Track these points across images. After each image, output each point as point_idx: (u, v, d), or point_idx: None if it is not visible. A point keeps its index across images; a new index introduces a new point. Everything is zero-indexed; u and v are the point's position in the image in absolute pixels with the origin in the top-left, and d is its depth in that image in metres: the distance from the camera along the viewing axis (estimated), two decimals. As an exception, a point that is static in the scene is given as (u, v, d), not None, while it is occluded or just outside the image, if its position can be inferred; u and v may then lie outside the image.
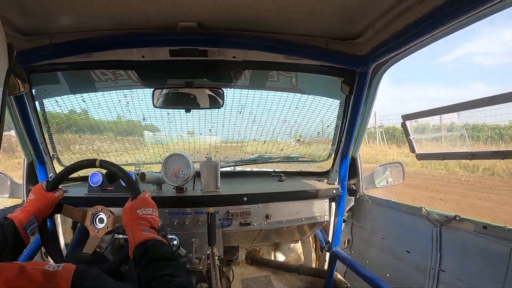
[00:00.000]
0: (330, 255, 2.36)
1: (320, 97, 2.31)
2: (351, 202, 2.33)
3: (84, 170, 1.73)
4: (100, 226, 1.54)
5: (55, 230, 2.04)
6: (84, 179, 2.31)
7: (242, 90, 2.30)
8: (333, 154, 2.31)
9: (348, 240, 2.50)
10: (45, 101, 2.21)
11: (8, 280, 0.58)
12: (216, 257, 1.79)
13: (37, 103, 2.09)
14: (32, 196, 1.43)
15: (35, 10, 1.40)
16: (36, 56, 1.63)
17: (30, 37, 1.63)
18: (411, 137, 1.98)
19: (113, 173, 1.52)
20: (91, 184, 1.96)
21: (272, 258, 2.82)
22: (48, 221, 1.74)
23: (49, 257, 1.51)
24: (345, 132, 2.03)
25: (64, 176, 1.55)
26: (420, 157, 2.00)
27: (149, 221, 1.30)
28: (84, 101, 2.32)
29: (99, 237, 1.54)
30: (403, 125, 2.00)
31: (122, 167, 1.59)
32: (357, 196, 2.31)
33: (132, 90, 2.30)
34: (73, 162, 1.60)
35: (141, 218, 1.29)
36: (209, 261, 1.79)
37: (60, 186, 1.54)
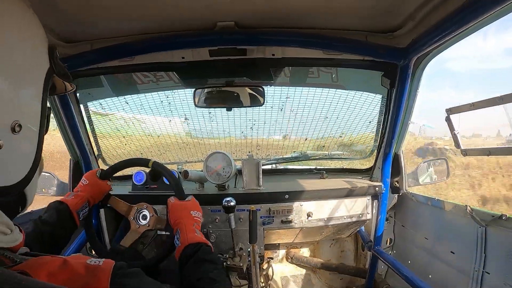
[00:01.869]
0: (371, 254, 2.30)
1: (361, 92, 2.25)
2: (393, 200, 2.26)
3: (127, 170, 1.79)
4: (142, 222, 1.59)
5: (99, 225, 2.12)
6: (127, 178, 2.39)
7: (283, 87, 2.29)
8: (375, 150, 2.25)
9: (390, 239, 2.43)
10: (89, 104, 2.30)
11: (51, 272, 0.60)
12: (257, 255, 1.79)
13: (81, 106, 2.18)
14: (85, 181, 1.51)
15: (76, 18, 1.46)
16: (78, 62, 1.70)
17: (72, 44, 1.71)
18: (455, 132, 1.89)
19: (163, 175, 1.57)
20: (135, 183, 2.03)
21: (313, 256, 2.80)
22: (93, 216, 1.83)
23: (93, 251, 1.57)
24: (387, 127, 1.97)
25: (118, 168, 1.63)
26: (466, 152, 1.91)
27: (199, 225, 1.34)
28: (127, 103, 2.40)
29: (139, 232, 1.59)
30: (447, 119, 1.91)
31: (166, 165, 1.64)
32: (400, 194, 2.23)
33: (173, 90, 2.35)
34: (122, 160, 1.65)
35: (194, 220, 1.33)
36: (249, 258, 1.80)
37: None
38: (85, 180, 1.51)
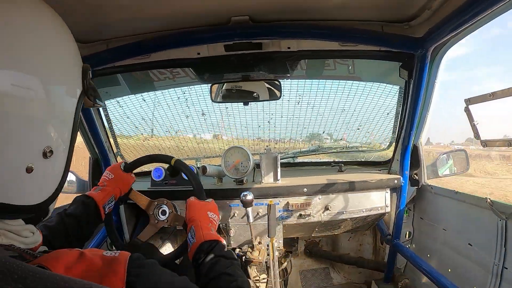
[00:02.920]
0: (390, 248, 2.27)
1: (379, 83, 2.23)
2: (413, 192, 2.23)
3: (146, 166, 1.81)
4: (161, 218, 1.61)
5: (119, 222, 2.17)
6: (146, 174, 2.43)
7: (299, 80, 2.29)
8: (394, 143, 2.22)
9: (409, 233, 2.40)
10: (107, 102, 2.34)
11: (68, 264, 0.61)
12: (275, 248, 1.80)
13: (100, 104, 2.22)
14: (110, 175, 1.52)
15: (91, 19, 1.49)
16: (95, 61, 1.72)
17: (88, 44, 1.74)
18: (475, 123, 1.85)
19: (184, 174, 1.58)
20: (154, 178, 2.06)
21: (331, 250, 2.79)
22: (113, 212, 1.86)
23: (113, 247, 1.59)
24: (405, 119, 1.93)
25: (142, 162, 1.65)
26: (485, 143, 1.86)
27: (214, 226, 1.35)
28: (144, 100, 2.44)
29: (157, 227, 1.61)
30: (467, 110, 1.87)
31: (184, 161, 1.66)
32: (419, 186, 2.20)
33: (190, 86, 2.38)
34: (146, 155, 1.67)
35: (210, 220, 1.33)
36: (268, 252, 1.81)
37: None
38: (109, 174, 1.53)
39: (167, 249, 2.27)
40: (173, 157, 1.59)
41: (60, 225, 1.21)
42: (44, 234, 1.09)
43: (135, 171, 1.65)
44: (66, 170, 0.74)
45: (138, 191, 1.77)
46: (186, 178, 1.65)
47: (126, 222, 2.16)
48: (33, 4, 0.67)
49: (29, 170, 0.61)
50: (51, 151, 0.66)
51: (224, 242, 1.23)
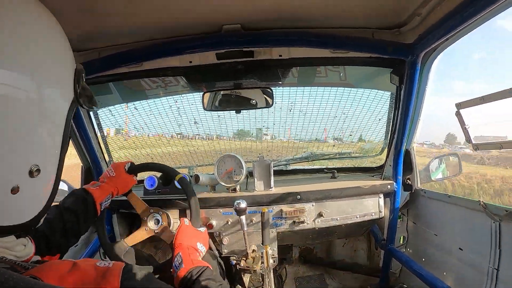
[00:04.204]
0: (385, 252, 2.28)
1: (370, 90, 2.24)
2: (406, 197, 2.23)
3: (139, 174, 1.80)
4: (153, 227, 1.60)
5: (112, 230, 2.16)
6: (138, 182, 2.41)
7: (291, 87, 2.30)
8: (386, 148, 2.23)
9: (404, 237, 2.40)
10: (99, 111, 2.32)
11: (62, 275, 0.60)
12: (270, 256, 1.79)
13: (91, 113, 2.21)
14: (112, 173, 1.51)
15: (82, 27, 1.48)
16: (87, 70, 1.70)
17: (80, 53, 1.73)
18: (466, 127, 1.86)
19: (186, 194, 1.57)
20: (147, 188, 2.05)
21: (326, 256, 2.79)
22: (106, 221, 1.83)
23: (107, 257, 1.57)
24: (397, 124, 1.95)
25: (148, 168, 1.67)
26: (477, 147, 1.88)
27: (200, 255, 1.34)
28: (136, 109, 2.42)
29: (147, 235, 1.60)
30: (457, 114, 1.88)
31: (177, 169, 1.66)
32: (413, 191, 2.21)
33: (182, 95, 2.37)
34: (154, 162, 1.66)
35: (197, 250, 1.33)
36: (262, 260, 1.80)
37: None
38: (112, 171, 1.51)
39: (160, 258, 2.25)
40: (179, 173, 1.59)
41: (58, 219, 1.20)
42: (40, 228, 1.08)
43: None
44: (56, 187, 0.72)
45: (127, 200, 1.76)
46: (179, 186, 1.65)
47: (119, 231, 2.14)
48: (28, 4, 0.66)
49: (14, 191, 0.59)
50: (38, 170, 0.63)
51: (211, 267, 1.23)
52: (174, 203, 1.95)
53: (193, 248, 1.32)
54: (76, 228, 1.25)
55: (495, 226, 1.62)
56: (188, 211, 1.93)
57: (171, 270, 1.25)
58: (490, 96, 1.60)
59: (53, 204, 1.26)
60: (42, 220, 0.76)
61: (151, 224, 1.60)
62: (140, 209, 1.63)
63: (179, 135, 2.75)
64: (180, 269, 1.18)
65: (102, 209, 1.41)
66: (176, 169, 1.67)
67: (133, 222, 2.18)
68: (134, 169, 1.59)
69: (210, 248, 1.81)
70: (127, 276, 0.68)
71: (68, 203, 1.28)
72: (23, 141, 0.60)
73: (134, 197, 1.64)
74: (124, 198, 1.68)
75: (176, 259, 1.24)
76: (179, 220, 1.44)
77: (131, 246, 1.60)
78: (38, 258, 0.76)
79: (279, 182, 2.24)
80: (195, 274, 1.13)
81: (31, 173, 0.62)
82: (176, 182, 1.64)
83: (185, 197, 1.58)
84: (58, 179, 0.72)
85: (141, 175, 2.10)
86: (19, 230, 0.64)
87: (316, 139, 2.68)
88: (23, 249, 0.70)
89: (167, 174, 1.66)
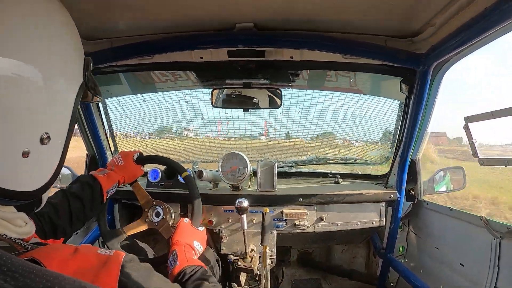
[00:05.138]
0: (383, 261, 2.27)
1: (379, 97, 2.24)
2: (408, 207, 2.22)
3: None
4: (153, 219, 1.60)
5: (113, 220, 2.17)
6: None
7: (300, 90, 2.29)
8: (392, 157, 2.22)
9: (403, 247, 2.39)
10: (107, 100, 2.34)
11: (63, 260, 0.61)
12: (268, 257, 1.79)
13: (100, 103, 2.22)
14: (121, 162, 1.51)
15: (96, 16, 1.49)
16: (98, 59, 1.72)
17: (92, 42, 1.74)
18: (473, 141, 1.85)
19: (189, 191, 1.57)
20: (150, 180, 2.06)
21: (324, 261, 2.78)
22: (107, 211, 1.84)
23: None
24: (404, 134, 1.95)
25: (156, 160, 1.68)
26: (483, 162, 1.86)
27: (196, 254, 1.34)
28: (145, 101, 2.43)
29: (146, 226, 1.60)
30: (466, 128, 1.87)
31: (182, 164, 1.66)
32: (415, 202, 2.20)
33: (191, 90, 2.38)
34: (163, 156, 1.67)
35: (194, 249, 1.33)
36: (260, 260, 1.80)
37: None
38: (120, 159, 1.51)
39: (157, 252, 2.26)
40: (186, 170, 1.59)
41: (64, 203, 1.21)
42: (46, 211, 1.11)
43: None
44: (62, 159, 0.73)
45: (131, 191, 1.76)
46: (183, 181, 1.65)
47: (119, 221, 2.15)
48: None
49: (25, 154, 0.61)
50: (49, 137, 0.65)
51: (207, 268, 1.23)
52: (177, 197, 1.95)
53: (190, 247, 1.31)
54: (81, 214, 1.26)
55: (495, 242, 1.60)
56: (189, 206, 1.94)
57: (166, 265, 1.26)
58: (500, 112, 1.59)
59: (60, 189, 1.28)
60: (45, 200, 0.78)
61: (151, 216, 1.60)
62: (143, 200, 1.63)
63: (185, 130, 2.76)
64: (175, 266, 1.18)
65: (108, 197, 1.41)
66: (181, 164, 1.67)
67: (134, 213, 2.19)
68: (142, 159, 1.59)
69: (209, 246, 1.82)
70: (127, 265, 0.68)
71: (75, 188, 1.28)
72: (37, 111, 0.63)
73: (138, 187, 1.64)
74: (127, 188, 1.69)
75: (171, 255, 1.25)
76: (180, 216, 1.44)
77: (129, 236, 1.60)
78: (37, 239, 0.76)
79: (282, 183, 2.24)
80: (188, 273, 1.12)
81: (41, 140, 0.64)
82: (180, 178, 1.64)
83: (188, 192, 1.58)
84: (64, 153, 0.74)
85: (146, 167, 2.12)
86: (24, 198, 0.65)
87: (322, 143, 2.67)
88: (24, 225, 0.70)
89: (174, 169, 1.66)
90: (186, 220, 1.45)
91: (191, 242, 1.34)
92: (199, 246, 1.37)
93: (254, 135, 2.73)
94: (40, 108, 0.63)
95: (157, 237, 2.31)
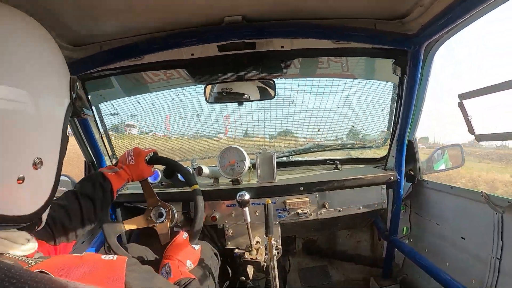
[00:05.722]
0: (388, 243, 2.30)
1: (373, 80, 2.24)
2: (409, 188, 2.24)
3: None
4: (154, 219, 1.59)
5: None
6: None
7: (293, 79, 2.29)
8: (389, 139, 2.24)
9: (407, 228, 2.41)
10: (101, 105, 2.33)
11: (70, 268, 0.61)
12: (274, 248, 1.80)
13: (93, 107, 2.21)
14: (132, 161, 1.48)
15: (83, 22, 1.48)
16: (88, 64, 1.72)
17: (81, 47, 1.72)
18: (469, 117, 1.86)
19: (195, 205, 1.56)
20: (151, 181, 2.05)
21: (329, 248, 2.80)
22: (111, 215, 1.84)
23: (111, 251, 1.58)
24: (400, 115, 1.95)
25: (167, 163, 1.65)
26: (480, 138, 1.87)
27: (186, 273, 1.33)
28: (139, 102, 2.42)
29: (145, 224, 1.59)
30: (460, 105, 1.88)
31: (180, 162, 1.66)
32: (415, 182, 2.21)
33: (184, 87, 2.36)
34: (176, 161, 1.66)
35: (185, 266, 1.34)
36: (266, 252, 1.81)
37: None
38: (132, 158, 1.48)
39: (159, 253, 2.26)
40: (196, 183, 1.58)
41: (75, 206, 1.21)
42: (57, 216, 1.11)
43: None
44: (57, 179, 0.74)
45: (134, 194, 1.76)
46: (182, 179, 1.64)
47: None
48: (14, 16, 0.66)
49: (20, 180, 0.62)
50: (41, 162, 0.66)
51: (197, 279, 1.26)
52: (178, 196, 1.96)
53: (182, 263, 1.33)
54: (92, 215, 1.26)
55: (497, 217, 1.62)
56: (191, 204, 1.94)
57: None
58: (493, 87, 1.59)
59: (70, 190, 1.28)
60: (45, 218, 0.78)
61: (154, 216, 1.60)
62: (150, 198, 1.62)
63: (181, 128, 2.75)
64: (169, 278, 1.21)
65: (116, 195, 1.41)
66: (180, 162, 1.66)
67: (137, 215, 2.20)
68: (154, 160, 1.57)
69: (214, 243, 1.83)
70: (130, 268, 0.69)
71: (85, 188, 1.28)
72: (27, 138, 0.63)
73: (147, 186, 1.62)
74: (130, 191, 1.68)
75: (164, 267, 1.27)
76: (183, 217, 1.43)
77: (127, 230, 1.60)
78: (41, 254, 0.77)
79: (282, 173, 2.25)
80: (182, 284, 1.16)
81: (34, 165, 0.65)
82: (180, 177, 1.62)
83: (189, 189, 1.58)
84: (58, 176, 0.74)
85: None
86: (23, 222, 0.66)
87: (319, 130, 2.67)
88: (26, 242, 0.71)
89: (184, 178, 1.64)
90: (185, 236, 1.45)
91: (184, 260, 1.35)
92: (190, 265, 1.38)
93: (251, 128, 2.73)
94: (29, 133, 0.64)
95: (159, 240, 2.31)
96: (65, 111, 0.75)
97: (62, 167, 0.75)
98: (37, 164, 0.65)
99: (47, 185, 0.71)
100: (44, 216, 0.77)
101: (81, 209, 1.21)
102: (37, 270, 0.57)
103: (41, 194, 0.70)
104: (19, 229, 0.70)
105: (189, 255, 1.39)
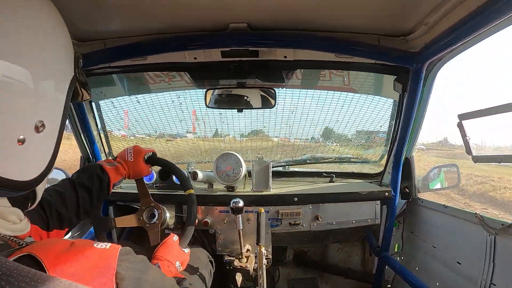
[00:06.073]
0: (379, 259, 2.28)
1: (373, 96, 2.25)
2: (403, 205, 2.23)
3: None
4: (146, 219, 1.58)
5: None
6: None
7: (294, 89, 2.30)
8: (386, 155, 2.24)
9: (399, 245, 2.40)
10: (101, 102, 2.33)
11: (59, 254, 0.60)
12: (264, 257, 1.79)
13: (93, 104, 2.21)
14: (131, 158, 1.49)
15: (89, 17, 1.47)
16: (91, 60, 1.71)
17: (85, 43, 1.72)
18: (467, 138, 1.86)
19: (189, 210, 1.55)
20: (146, 182, 2.04)
21: (320, 260, 2.79)
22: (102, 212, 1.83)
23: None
24: (398, 132, 1.95)
25: (165, 165, 1.64)
26: (477, 159, 1.87)
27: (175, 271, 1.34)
28: (139, 102, 2.42)
29: (137, 223, 1.58)
30: (459, 125, 1.88)
31: (177, 165, 1.65)
32: (410, 200, 2.21)
33: (185, 91, 2.37)
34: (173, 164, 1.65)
35: (174, 267, 1.33)
36: (256, 260, 1.80)
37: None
38: (131, 155, 1.49)
39: (148, 252, 2.24)
40: (191, 188, 1.57)
41: (72, 194, 1.21)
42: (53, 201, 1.11)
43: None
44: (56, 150, 0.74)
45: (129, 193, 1.74)
46: (177, 181, 1.64)
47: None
48: None
49: (20, 142, 0.61)
50: (43, 125, 0.66)
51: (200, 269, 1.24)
52: (172, 198, 1.95)
53: (172, 264, 1.32)
54: (88, 205, 1.26)
55: (490, 239, 1.61)
56: (184, 207, 1.93)
57: None
58: (493, 109, 1.60)
59: (67, 178, 1.28)
60: (39, 196, 0.77)
61: (146, 216, 1.59)
62: (144, 198, 1.61)
63: (179, 131, 2.75)
64: None
65: (113, 189, 1.41)
66: (176, 164, 1.66)
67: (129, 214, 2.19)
68: (153, 160, 1.56)
69: (204, 248, 1.81)
70: (123, 258, 0.68)
71: (83, 179, 1.28)
72: (31, 99, 0.64)
73: (143, 185, 1.61)
74: (123, 190, 1.67)
75: None
76: (175, 219, 1.42)
77: (118, 227, 1.59)
78: (32, 239, 0.76)
79: (277, 183, 2.25)
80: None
81: (36, 128, 0.65)
82: (176, 179, 1.61)
83: (183, 193, 1.57)
84: (58, 144, 0.74)
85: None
86: (19, 188, 0.65)
87: (317, 142, 2.68)
88: (18, 222, 0.70)
89: (181, 182, 1.63)
90: (175, 238, 1.43)
91: (173, 262, 1.34)
92: (179, 267, 1.37)
93: (249, 136, 2.73)
94: (34, 97, 0.64)
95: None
96: (69, 83, 0.76)
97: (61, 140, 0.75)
98: (39, 128, 0.65)
99: (46, 152, 0.71)
100: (40, 190, 0.77)
101: (78, 198, 1.21)
102: (25, 253, 0.57)
103: (40, 160, 0.70)
104: (13, 205, 0.70)
105: (178, 257, 1.38)
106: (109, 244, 0.69)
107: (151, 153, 1.57)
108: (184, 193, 1.57)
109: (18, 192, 0.66)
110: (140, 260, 0.74)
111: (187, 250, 1.47)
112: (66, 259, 0.60)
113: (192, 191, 1.57)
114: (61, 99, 0.73)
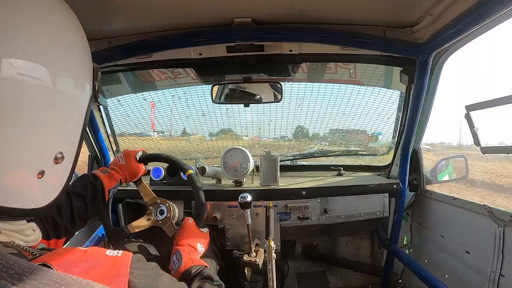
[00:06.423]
0: (388, 252, 2.28)
1: (380, 88, 2.24)
2: (411, 198, 2.23)
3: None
4: (158, 217, 1.60)
5: (117, 220, 2.17)
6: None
7: (300, 83, 2.29)
8: (394, 147, 2.23)
9: (407, 238, 2.39)
10: (108, 100, 2.34)
11: (73, 262, 0.61)
12: (273, 251, 1.79)
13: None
14: (122, 161, 1.51)
15: (93, 16, 1.47)
16: (97, 59, 1.70)
17: (90, 42, 1.71)
18: (475, 129, 1.84)
19: (193, 190, 1.57)
20: (153, 178, 2.05)
21: (329, 253, 2.79)
22: (111, 210, 1.85)
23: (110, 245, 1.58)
24: (406, 124, 1.94)
25: (158, 158, 1.65)
26: (485, 150, 1.86)
27: (198, 255, 1.35)
28: (145, 99, 2.43)
29: (149, 224, 1.59)
30: (467, 116, 1.86)
31: (184, 161, 1.66)
32: (418, 192, 2.20)
33: (191, 87, 2.38)
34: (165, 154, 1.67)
35: (196, 250, 1.35)
36: (265, 254, 1.80)
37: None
38: (122, 159, 1.51)
39: (162, 250, 2.26)
40: (191, 168, 1.59)
41: (66, 203, 1.22)
42: (49, 211, 1.11)
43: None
44: (72, 171, 0.74)
45: (136, 190, 1.75)
46: (185, 178, 1.65)
47: (124, 221, 2.16)
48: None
49: (39, 175, 0.62)
50: (62, 157, 0.66)
51: (208, 266, 1.24)
52: (180, 195, 1.96)
53: (193, 248, 1.33)
54: (83, 213, 1.27)
55: (499, 231, 1.61)
56: (193, 204, 1.94)
57: (169, 264, 1.28)
58: (502, 100, 1.58)
59: None
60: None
61: (155, 214, 1.60)
62: (147, 197, 1.63)
63: (186, 127, 2.76)
64: (179, 266, 1.20)
65: (109, 196, 1.42)
66: (183, 160, 1.67)
67: (139, 211, 2.19)
68: (144, 158, 1.58)
69: (213, 243, 1.82)
70: (135, 265, 0.69)
71: (77, 187, 1.29)
72: (53, 130, 0.64)
73: (143, 186, 1.64)
74: (131, 187, 1.68)
75: (175, 255, 1.27)
76: (184, 214, 1.44)
77: (133, 233, 1.61)
78: (43, 245, 0.77)
79: (285, 177, 2.25)
80: (193, 272, 1.15)
81: (56, 159, 0.65)
82: (183, 175, 1.64)
83: (190, 188, 1.59)
84: (73, 168, 0.75)
85: (149, 165, 2.13)
86: (35, 214, 0.66)
87: (324, 135, 2.67)
88: (32, 233, 0.72)
89: (177, 167, 1.65)
90: (191, 220, 1.46)
91: (194, 244, 1.35)
92: (201, 248, 1.39)
93: (256, 130, 2.73)
94: (55, 127, 0.64)
95: (161, 236, 2.31)
96: (88, 101, 0.76)
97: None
98: (58, 159, 0.65)
99: (62, 179, 0.72)
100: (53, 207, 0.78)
101: (72, 207, 1.22)
102: (40, 263, 0.57)
103: (56, 187, 0.71)
104: (28, 220, 0.71)
105: (198, 238, 1.40)
106: (121, 251, 0.69)
107: (141, 152, 1.59)
108: (190, 188, 1.58)
109: (34, 217, 0.68)
110: (151, 268, 0.75)
111: (205, 230, 1.49)
112: (78, 267, 0.61)
113: (191, 171, 1.58)
114: (80, 121, 0.73)
